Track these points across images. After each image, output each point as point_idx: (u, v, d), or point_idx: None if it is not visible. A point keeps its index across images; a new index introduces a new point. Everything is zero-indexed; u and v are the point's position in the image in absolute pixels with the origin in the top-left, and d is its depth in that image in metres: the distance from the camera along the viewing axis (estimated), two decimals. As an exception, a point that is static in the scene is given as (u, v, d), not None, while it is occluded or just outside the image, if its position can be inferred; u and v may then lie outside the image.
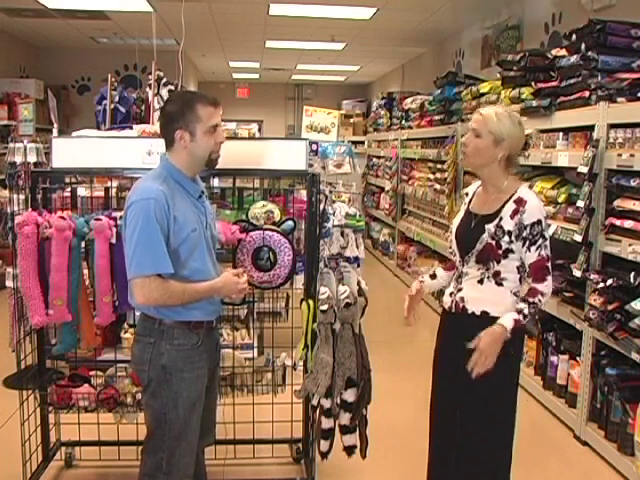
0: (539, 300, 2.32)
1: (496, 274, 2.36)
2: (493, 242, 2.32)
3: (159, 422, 2.22)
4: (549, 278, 2.34)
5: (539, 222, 2.31)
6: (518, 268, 2.36)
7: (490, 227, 2.34)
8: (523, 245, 2.32)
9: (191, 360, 2.23)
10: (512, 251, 2.33)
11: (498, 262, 2.34)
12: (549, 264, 2.35)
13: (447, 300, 2.49)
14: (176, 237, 2.14)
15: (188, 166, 2.24)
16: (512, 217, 2.31)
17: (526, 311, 2.30)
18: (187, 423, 2.23)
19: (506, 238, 2.31)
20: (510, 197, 2.35)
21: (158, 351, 2.20)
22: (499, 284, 2.37)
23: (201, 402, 2.29)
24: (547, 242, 2.33)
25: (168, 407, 2.20)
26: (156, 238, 2.08)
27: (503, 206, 2.35)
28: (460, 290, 2.43)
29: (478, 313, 2.38)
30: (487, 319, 2.35)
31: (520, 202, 2.32)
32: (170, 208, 2.11)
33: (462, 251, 2.44)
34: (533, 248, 2.31)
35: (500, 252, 2.33)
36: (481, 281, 2.38)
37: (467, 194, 2.58)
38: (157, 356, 2.19)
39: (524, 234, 2.31)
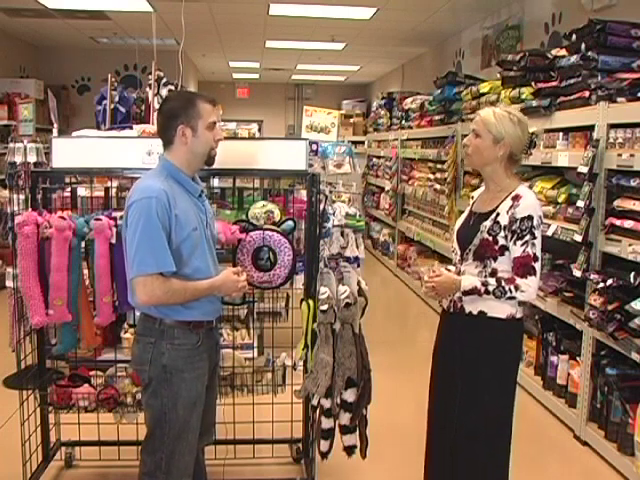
0: (510, 290, 2.29)
1: (493, 272, 2.36)
2: (490, 238, 2.34)
3: (159, 422, 2.22)
4: (532, 279, 2.30)
5: (530, 217, 2.30)
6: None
7: (487, 223, 2.36)
8: (511, 238, 2.31)
9: (191, 360, 2.23)
10: (508, 248, 2.33)
11: (495, 259, 2.35)
12: (535, 265, 2.31)
13: (445, 300, 2.50)
14: (177, 235, 2.14)
15: (188, 164, 2.24)
16: (507, 212, 2.33)
17: (490, 288, 2.30)
18: (187, 423, 2.23)
19: (502, 233, 2.33)
20: (509, 194, 2.37)
21: (159, 351, 2.20)
22: None
23: (201, 402, 2.29)
24: (536, 241, 2.30)
25: (168, 407, 2.20)
26: (158, 237, 2.08)
27: (501, 203, 2.37)
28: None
29: (475, 313, 2.38)
30: (484, 319, 2.36)
31: (516, 198, 2.34)
32: (171, 206, 2.11)
33: (461, 248, 2.45)
34: (519, 242, 2.30)
35: (496, 248, 2.34)
36: None
37: (472, 197, 2.61)
38: (158, 356, 2.19)
39: (514, 227, 2.31)
